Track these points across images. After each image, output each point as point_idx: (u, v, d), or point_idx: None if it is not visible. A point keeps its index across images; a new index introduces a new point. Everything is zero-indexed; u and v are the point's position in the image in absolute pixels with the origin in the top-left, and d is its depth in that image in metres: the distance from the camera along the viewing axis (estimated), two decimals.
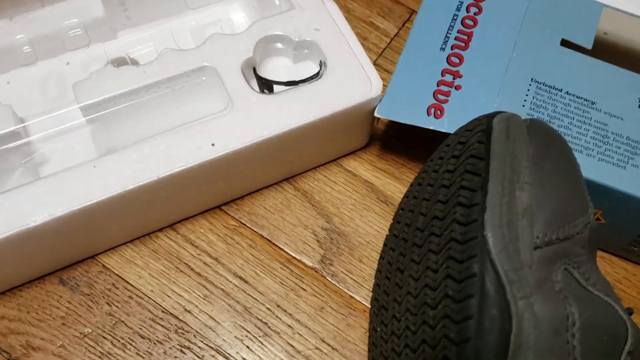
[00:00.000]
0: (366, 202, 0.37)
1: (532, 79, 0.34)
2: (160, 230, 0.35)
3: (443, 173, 0.26)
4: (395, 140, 0.39)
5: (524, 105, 0.33)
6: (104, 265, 0.34)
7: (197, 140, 0.32)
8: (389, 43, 0.42)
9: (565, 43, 0.36)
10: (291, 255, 0.35)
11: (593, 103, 0.34)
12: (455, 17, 0.36)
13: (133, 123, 0.34)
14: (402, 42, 0.42)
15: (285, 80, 0.35)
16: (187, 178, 0.32)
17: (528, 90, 0.34)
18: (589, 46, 0.35)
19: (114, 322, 0.33)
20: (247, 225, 0.36)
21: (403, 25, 0.42)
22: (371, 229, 0.36)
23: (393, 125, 0.39)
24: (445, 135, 0.33)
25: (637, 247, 0.35)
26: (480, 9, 0.37)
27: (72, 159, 0.32)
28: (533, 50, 0.35)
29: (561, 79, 0.34)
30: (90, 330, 0.33)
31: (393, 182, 0.37)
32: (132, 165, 0.31)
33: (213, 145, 0.32)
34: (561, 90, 0.34)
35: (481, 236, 0.22)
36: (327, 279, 0.34)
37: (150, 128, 0.33)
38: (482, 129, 0.25)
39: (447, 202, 0.25)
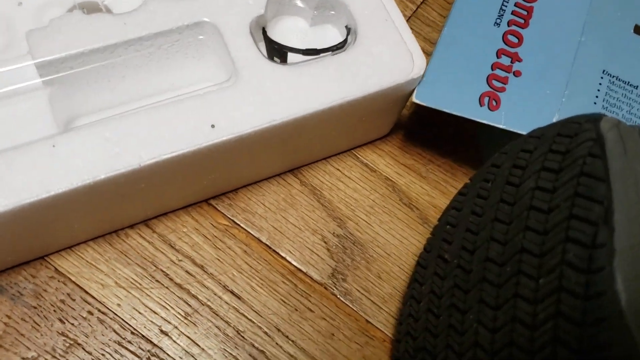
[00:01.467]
0: (387, 204, 0.30)
1: (604, 70, 0.28)
2: (132, 227, 0.28)
3: (532, 190, 0.20)
4: (422, 129, 0.32)
5: (595, 103, 0.27)
6: (56, 270, 0.27)
7: (192, 119, 0.24)
8: (415, 11, 0.35)
9: (638, 30, 0.30)
10: (295, 267, 0.28)
11: None
12: None
13: (106, 90, 0.26)
14: (431, 12, 0.35)
15: (301, 47, 0.28)
16: (175, 167, 0.24)
17: (600, 84, 0.28)
18: None
19: (67, 344, 0.25)
20: (242, 226, 0.29)
21: None
22: (393, 238, 0.29)
23: (420, 112, 0.32)
24: (499, 131, 0.27)
25: None
26: None
27: (23, 134, 0.24)
28: (604, 36, 0.29)
29: (637, 74, 0.28)
30: (35, 355, 0.25)
31: (418, 181, 0.31)
32: (104, 147, 0.23)
33: (213, 127, 0.24)
34: (637, 87, 0.28)
35: (610, 290, 0.16)
36: (339, 298, 0.28)
37: (128, 98, 0.25)
38: (590, 137, 0.19)
39: (549, 234, 0.18)
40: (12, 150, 0.23)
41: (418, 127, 0.32)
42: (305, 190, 0.30)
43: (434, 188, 0.31)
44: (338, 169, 0.31)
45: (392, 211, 0.30)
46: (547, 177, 0.20)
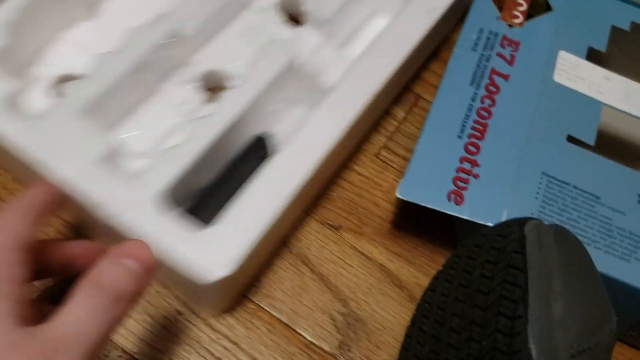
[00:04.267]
0: (381, 286, 0.38)
1: (542, 172, 0.36)
2: (179, 312, 0.35)
3: (479, 277, 0.27)
4: (406, 222, 0.40)
5: (536, 198, 0.35)
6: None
7: None
8: (397, 127, 0.43)
9: (571, 139, 0.38)
10: (310, 341, 0.35)
11: (598, 197, 0.36)
12: (470, 107, 0.38)
13: None
14: (410, 126, 0.44)
15: None
16: None
17: (540, 183, 0.36)
18: (592, 142, 0.38)
19: None
20: (266, 308, 0.36)
21: (410, 110, 0.44)
22: (387, 314, 0.37)
23: (404, 208, 0.40)
24: (464, 221, 0.34)
25: (634, 332, 0.37)
26: (493, 102, 0.39)
27: None
28: (542, 145, 0.37)
29: (569, 174, 0.36)
30: None
31: (407, 266, 0.38)
32: None
33: None
34: (569, 184, 0.36)
35: (525, 348, 0.24)
36: None
37: None
38: (516, 238, 0.27)
39: (487, 310, 0.26)
40: None
41: (403, 221, 0.40)
42: (315, 277, 0.37)
43: (419, 271, 0.38)
44: (341, 258, 0.38)
45: (386, 292, 0.37)
46: (488, 267, 0.27)
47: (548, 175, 0.36)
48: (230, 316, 0.36)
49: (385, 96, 0.40)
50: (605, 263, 0.34)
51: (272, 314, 0.36)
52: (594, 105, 0.39)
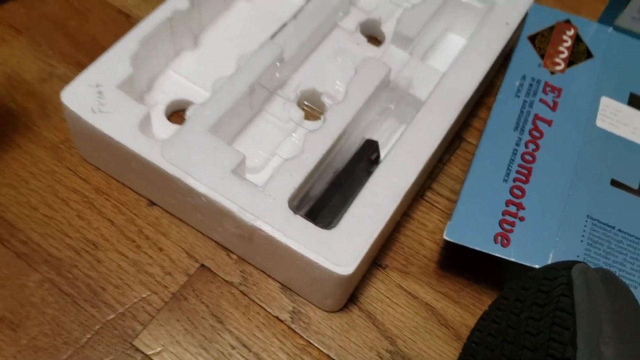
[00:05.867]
0: (428, 325, 0.38)
1: (587, 215, 0.37)
2: (233, 347, 0.37)
3: (527, 319, 0.28)
4: (452, 262, 0.41)
5: (582, 241, 0.36)
6: None
7: None
8: (442, 168, 0.45)
9: (614, 183, 0.39)
10: None
11: None
12: (515, 152, 0.40)
13: None
14: (454, 168, 0.45)
15: None
16: None
17: (585, 226, 0.37)
18: (636, 187, 0.38)
19: None
20: (315, 345, 0.37)
21: (454, 152, 0.46)
22: (434, 352, 0.37)
23: (449, 248, 0.41)
24: (510, 263, 0.35)
25: None
26: (537, 147, 0.40)
27: None
28: (587, 189, 0.38)
29: (614, 217, 0.37)
30: None
31: (453, 305, 0.39)
32: None
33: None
34: (614, 227, 0.37)
35: None
36: None
37: None
38: (563, 281, 0.28)
39: (536, 351, 0.27)
40: None
41: (451, 260, 0.41)
42: (362, 315, 0.38)
43: (465, 311, 0.39)
44: (388, 297, 0.39)
45: (432, 330, 0.38)
46: (536, 310, 0.28)
47: (593, 219, 0.37)
48: (281, 351, 0.37)
49: (467, 108, 0.44)
50: None
51: (321, 350, 0.37)
52: (637, 149, 0.40)
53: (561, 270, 0.29)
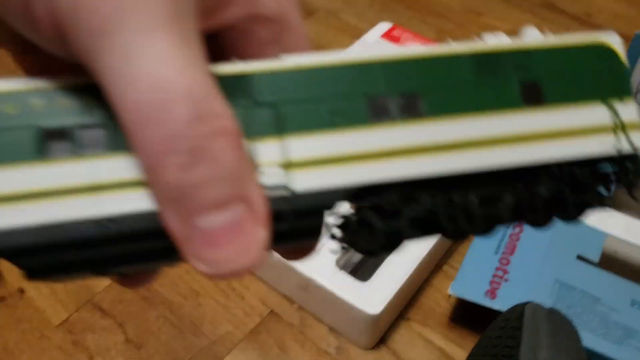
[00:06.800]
0: None
1: (556, 279, 0.50)
2: None
3: (495, 339, 0.41)
4: (460, 316, 0.54)
5: (550, 297, 0.49)
6: None
7: None
8: (456, 248, 0.59)
9: (579, 257, 0.52)
10: None
11: (598, 299, 0.49)
12: (504, 233, 0.54)
13: None
14: (464, 246, 0.59)
15: None
16: None
17: (554, 286, 0.50)
18: (597, 260, 0.51)
19: None
20: None
21: None
22: None
23: (458, 305, 0.55)
24: (497, 312, 0.48)
25: None
26: (521, 229, 0.54)
27: None
28: (557, 261, 0.51)
29: (577, 281, 0.50)
30: None
31: (459, 349, 0.52)
32: None
33: None
34: (576, 288, 0.49)
35: None
36: None
37: None
38: (519, 311, 0.41)
39: (496, 355, 0.40)
40: None
41: (458, 314, 0.54)
42: (389, 352, 0.52)
43: (468, 352, 0.52)
44: (409, 341, 0.52)
45: None
46: (498, 331, 0.41)
47: (560, 282, 0.50)
48: None
49: None
50: (602, 346, 0.46)
51: None
52: (599, 234, 0.53)
53: (519, 307, 0.42)
